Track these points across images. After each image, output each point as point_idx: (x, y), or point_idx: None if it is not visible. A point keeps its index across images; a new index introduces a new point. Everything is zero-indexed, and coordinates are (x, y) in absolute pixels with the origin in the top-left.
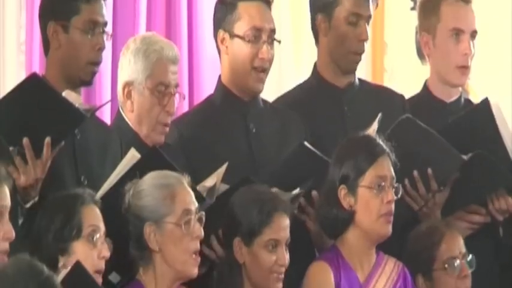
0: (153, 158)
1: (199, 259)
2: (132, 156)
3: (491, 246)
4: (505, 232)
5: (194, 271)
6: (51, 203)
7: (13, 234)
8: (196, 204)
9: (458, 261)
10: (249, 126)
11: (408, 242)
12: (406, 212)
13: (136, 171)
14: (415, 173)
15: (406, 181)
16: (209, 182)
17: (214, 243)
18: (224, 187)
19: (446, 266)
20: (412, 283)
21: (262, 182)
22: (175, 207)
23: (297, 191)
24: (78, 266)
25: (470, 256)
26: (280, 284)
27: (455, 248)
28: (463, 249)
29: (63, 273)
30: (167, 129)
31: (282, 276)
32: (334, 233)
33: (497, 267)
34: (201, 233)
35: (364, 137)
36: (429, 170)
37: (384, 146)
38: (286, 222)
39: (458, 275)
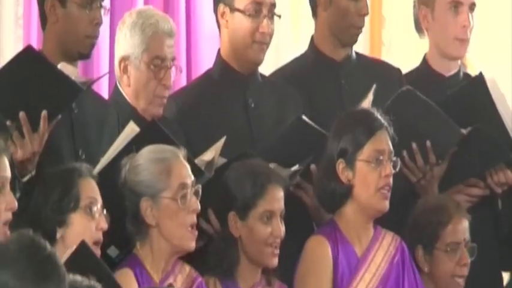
0: (151, 132)
1: (196, 232)
2: (131, 130)
3: (490, 219)
4: (504, 205)
5: (191, 245)
6: (48, 176)
7: (15, 204)
8: (193, 177)
9: (460, 248)
10: (248, 101)
11: (415, 211)
12: (404, 184)
13: (133, 145)
14: (414, 145)
15: (404, 153)
16: (207, 155)
17: (211, 217)
18: (222, 161)
19: (448, 249)
20: (409, 258)
21: (259, 157)
22: (171, 181)
23: (295, 167)
24: (83, 246)
25: (473, 245)
26: (276, 259)
27: (460, 233)
28: (467, 236)
29: (68, 252)
30: (165, 101)
31: (278, 251)
32: (332, 207)
33: (496, 240)
34: (198, 206)
35: (362, 110)
36: (428, 143)
37: (382, 120)
38: (280, 193)
39: (458, 261)
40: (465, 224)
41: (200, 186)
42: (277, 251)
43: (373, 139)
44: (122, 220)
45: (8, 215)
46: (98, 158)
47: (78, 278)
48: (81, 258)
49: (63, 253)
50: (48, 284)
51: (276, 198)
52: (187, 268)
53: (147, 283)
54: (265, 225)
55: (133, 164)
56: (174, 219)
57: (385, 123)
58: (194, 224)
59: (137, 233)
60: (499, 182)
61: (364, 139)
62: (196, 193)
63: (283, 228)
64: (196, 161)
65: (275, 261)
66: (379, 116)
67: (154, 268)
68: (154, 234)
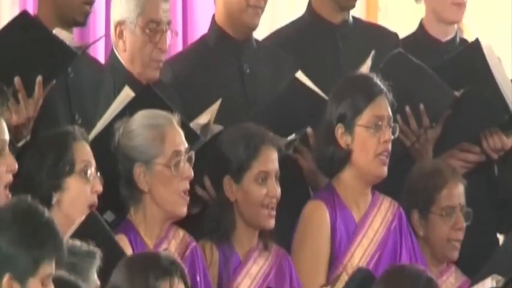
0: (146, 97)
1: (188, 198)
2: (126, 94)
3: (486, 184)
4: (500, 170)
5: (183, 210)
6: (42, 140)
7: (16, 166)
8: (186, 144)
9: (455, 212)
10: (243, 67)
11: (410, 176)
12: (398, 148)
13: (128, 110)
14: (407, 108)
15: (398, 117)
16: (202, 119)
17: (207, 184)
18: (218, 128)
19: (443, 213)
20: (407, 223)
21: (254, 121)
22: (164, 148)
23: (292, 137)
24: (92, 216)
25: (468, 209)
26: (272, 221)
27: (456, 197)
28: (463, 201)
29: (76, 223)
30: (161, 65)
31: (274, 213)
32: (330, 172)
33: (492, 206)
34: (191, 173)
35: (361, 76)
36: (421, 106)
37: (382, 86)
38: (274, 154)
39: (453, 225)
40: (460, 188)
41: (193, 152)
42: (273, 213)
43: (373, 105)
44: (117, 184)
45: (9, 177)
46: (94, 122)
47: (77, 242)
48: (91, 229)
49: (58, 218)
50: (44, 250)
51: (270, 159)
52: (181, 233)
53: (141, 249)
54: (260, 187)
55: (127, 129)
56: (167, 185)
57: (385, 89)
58: (187, 190)
59: (131, 197)
60: (494, 148)
61: (363, 104)
62: (189, 160)
63: (278, 189)
64: (191, 124)
65: (272, 223)
66: (378, 82)
67: (148, 234)
68: (147, 200)
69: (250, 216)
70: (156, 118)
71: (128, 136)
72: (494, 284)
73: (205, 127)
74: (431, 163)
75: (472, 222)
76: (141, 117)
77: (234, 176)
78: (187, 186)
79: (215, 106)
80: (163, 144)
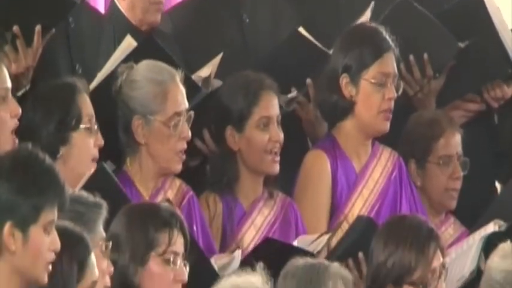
0: (148, 47)
1: (184, 157)
2: (129, 44)
3: (486, 133)
4: (500, 119)
5: (178, 167)
6: (45, 92)
7: (19, 110)
8: (187, 103)
9: (453, 161)
10: (242, 17)
11: (407, 125)
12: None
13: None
14: (411, 57)
15: (402, 65)
16: (204, 71)
17: (206, 137)
18: (218, 83)
19: (440, 162)
20: (406, 173)
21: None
22: (165, 106)
23: (292, 94)
24: (101, 169)
25: (465, 159)
26: (277, 166)
27: (453, 147)
28: (460, 150)
29: (86, 176)
30: (162, 7)
31: (278, 158)
32: (332, 120)
33: (491, 154)
34: (189, 134)
35: (371, 28)
36: (425, 55)
37: (390, 42)
38: (274, 99)
39: (450, 175)
40: (458, 138)
41: (193, 112)
42: (277, 158)
43: (380, 61)
44: (116, 135)
45: (14, 122)
46: (94, 72)
47: (84, 193)
48: (100, 181)
49: (63, 172)
50: (45, 198)
51: (271, 104)
52: (177, 182)
53: (136, 199)
54: (262, 133)
55: (130, 77)
56: (164, 143)
57: (393, 45)
58: (183, 150)
59: (128, 145)
60: (495, 97)
61: (371, 59)
62: (188, 119)
63: (281, 133)
64: (193, 77)
65: (276, 168)
66: (387, 37)
67: (144, 185)
68: (143, 152)
69: (255, 163)
70: (160, 73)
71: (131, 86)
72: (497, 228)
73: (207, 80)
74: (428, 113)
75: (471, 172)
76: (146, 69)
77: (236, 126)
78: (184, 146)
79: (217, 59)
80: (165, 102)
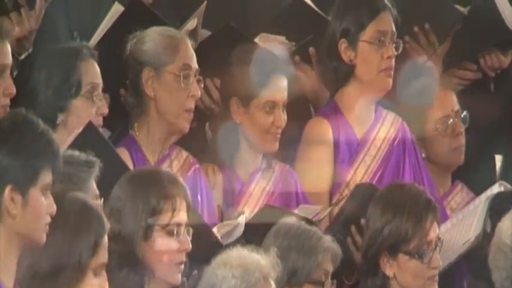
0: (136, 10)
1: (191, 115)
2: (116, 10)
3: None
4: (496, 87)
5: (186, 126)
6: (48, 56)
7: (14, 89)
8: (197, 66)
9: (451, 120)
10: None
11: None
12: None
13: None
14: (416, 28)
15: (407, 38)
16: (190, 24)
17: (211, 88)
18: (205, 34)
19: (438, 126)
20: (411, 138)
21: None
22: (176, 58)
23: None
24: (90, 126)
25: (464, 112)
26: (277, 144)
27: (448, 106)
28: (456, 107)
29: (75, 133)
30: None
31: (279, 135)
32: (334, 86)
33: (488, 123)
34: (198, 92)
35: None
36: (426, 26)
37: (386, 1)
38: (284, 83)
39: (451, 133)
40: (451, 97)
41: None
42: (278, 136)
43: (376, 20)
44: (112, 101)
45: (6, 100)
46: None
47: (76, 152)
48: (88, 138)
49: (64, 137)
50: (43, 159)
51: (279, 88)
52: (184, 154)
53: (142, 164)
54: (266, 115)
55: (141, 36)
56: (174, 95)
57: (389, 4)
58: (191, 110)
59: (136, 105)
60: (492, 66)
61: (366, 20)
62: (198, 80)
63: (284, 117)
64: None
65: (275, 146)
66: None
67: (150, 150)
68: (152, 108)
69: (255, 139)
70: (171, 31)
71: (141, 41)
72: (502, 189)
73: (194, 32)
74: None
75: (469, 144)
76: (156, 29)
77: (242, 100)
78: (193, 105)
79: (201, 8)
80: (176, 53)
